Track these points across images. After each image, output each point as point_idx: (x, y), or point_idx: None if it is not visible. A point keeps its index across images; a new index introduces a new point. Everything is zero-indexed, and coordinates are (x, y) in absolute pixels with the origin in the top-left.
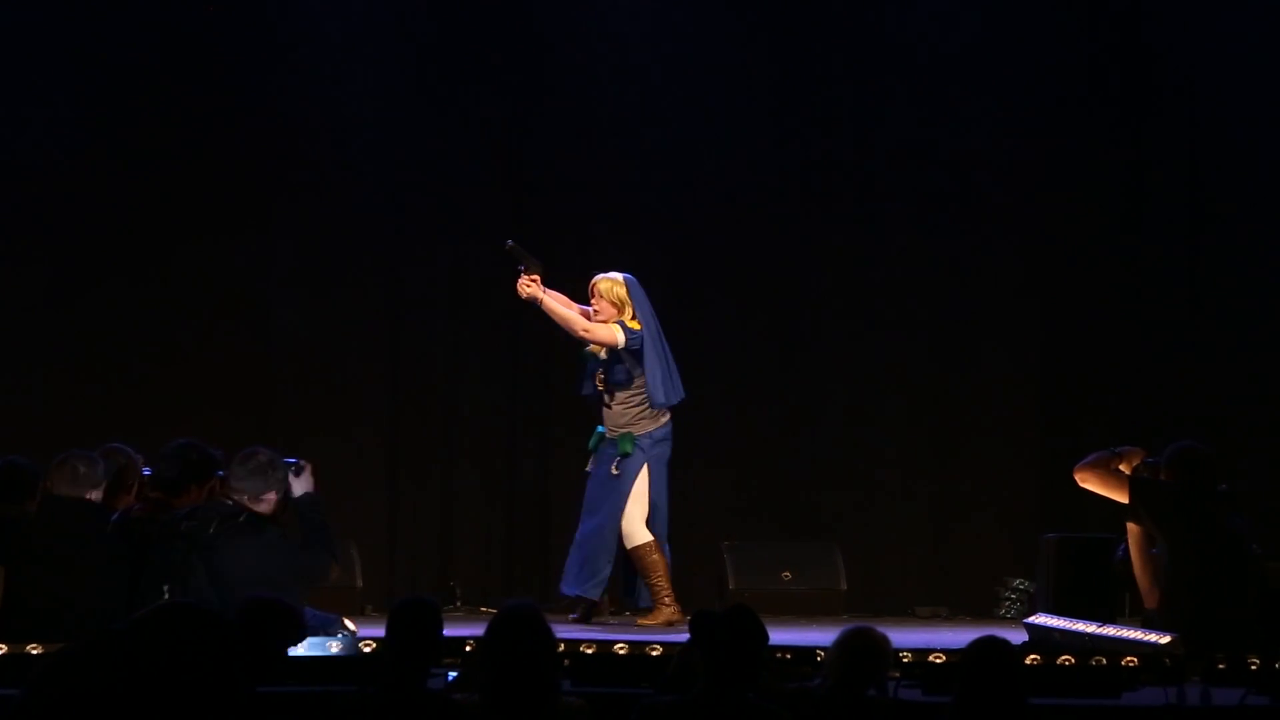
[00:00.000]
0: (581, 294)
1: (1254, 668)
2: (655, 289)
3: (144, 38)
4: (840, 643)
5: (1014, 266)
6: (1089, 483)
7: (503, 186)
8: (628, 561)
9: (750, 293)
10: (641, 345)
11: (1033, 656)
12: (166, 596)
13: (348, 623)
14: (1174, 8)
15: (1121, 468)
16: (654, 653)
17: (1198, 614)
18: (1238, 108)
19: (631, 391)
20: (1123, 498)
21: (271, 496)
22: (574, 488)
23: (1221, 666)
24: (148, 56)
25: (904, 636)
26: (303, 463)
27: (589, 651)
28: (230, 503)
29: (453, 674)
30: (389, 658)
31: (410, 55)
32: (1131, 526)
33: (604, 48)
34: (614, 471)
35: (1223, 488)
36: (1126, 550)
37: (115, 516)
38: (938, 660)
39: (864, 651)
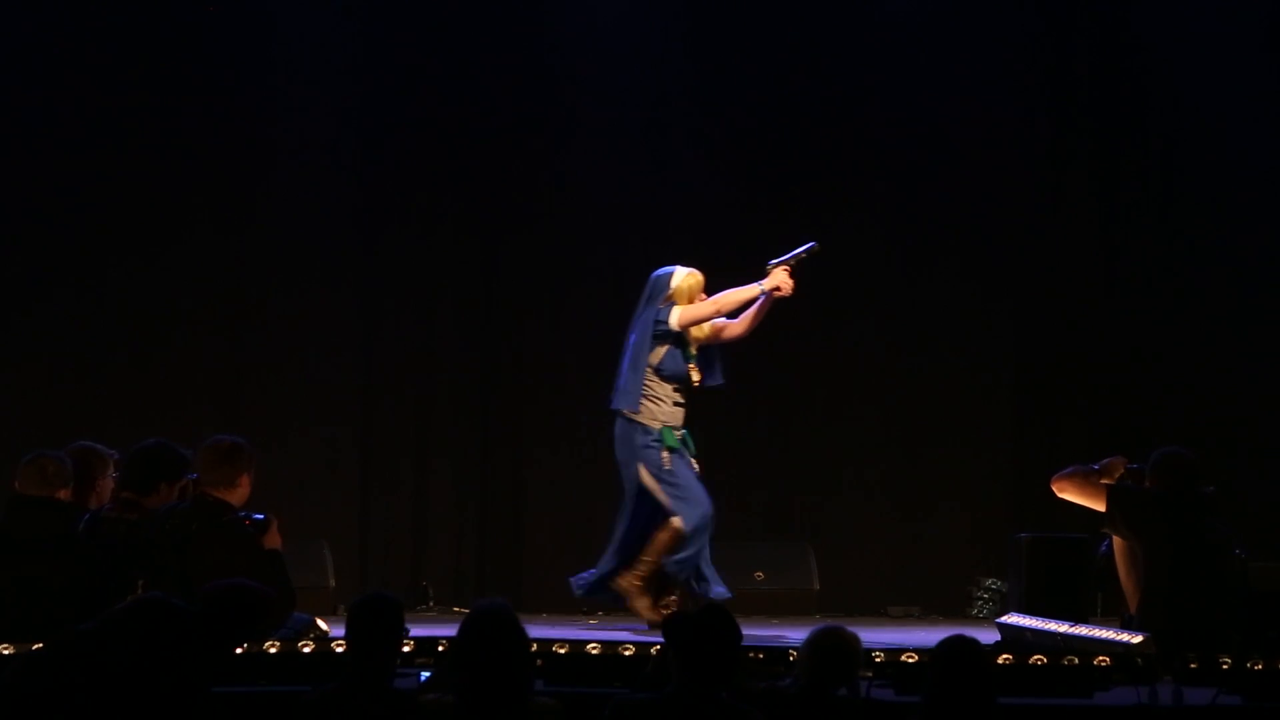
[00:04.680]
0: (572, 290)
1: (1225, 667)
2: (630, 287)
3: (121, 37)
4: (811, 642)
5: (987, 265)
6: (1066, 492)
7: (478, 185)
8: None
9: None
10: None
11: (1005, 656)
12: (140, 593)
13: (320, 622)
14: (1150, 4)
15: (1104, 481)
16: (626, 652)
17: (1174, 619)
18: (1213, 103)
19: None
20: (1100, 506)
21: (244, 480)
22: (547, 488)
23: (1193, 666)
24: (125, 56)
25: (876, 636)
26: (269, 518)
27: (562, 651)
28: (210, 500)
29: (425, 674)
30: (350, 656)
31: (388, 55)
32: None
33: (582, 45)
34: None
35: (1209, 490)
36: (1109, 546)
37: (85, 516)
38: (910, 660)
39: (834, 651)
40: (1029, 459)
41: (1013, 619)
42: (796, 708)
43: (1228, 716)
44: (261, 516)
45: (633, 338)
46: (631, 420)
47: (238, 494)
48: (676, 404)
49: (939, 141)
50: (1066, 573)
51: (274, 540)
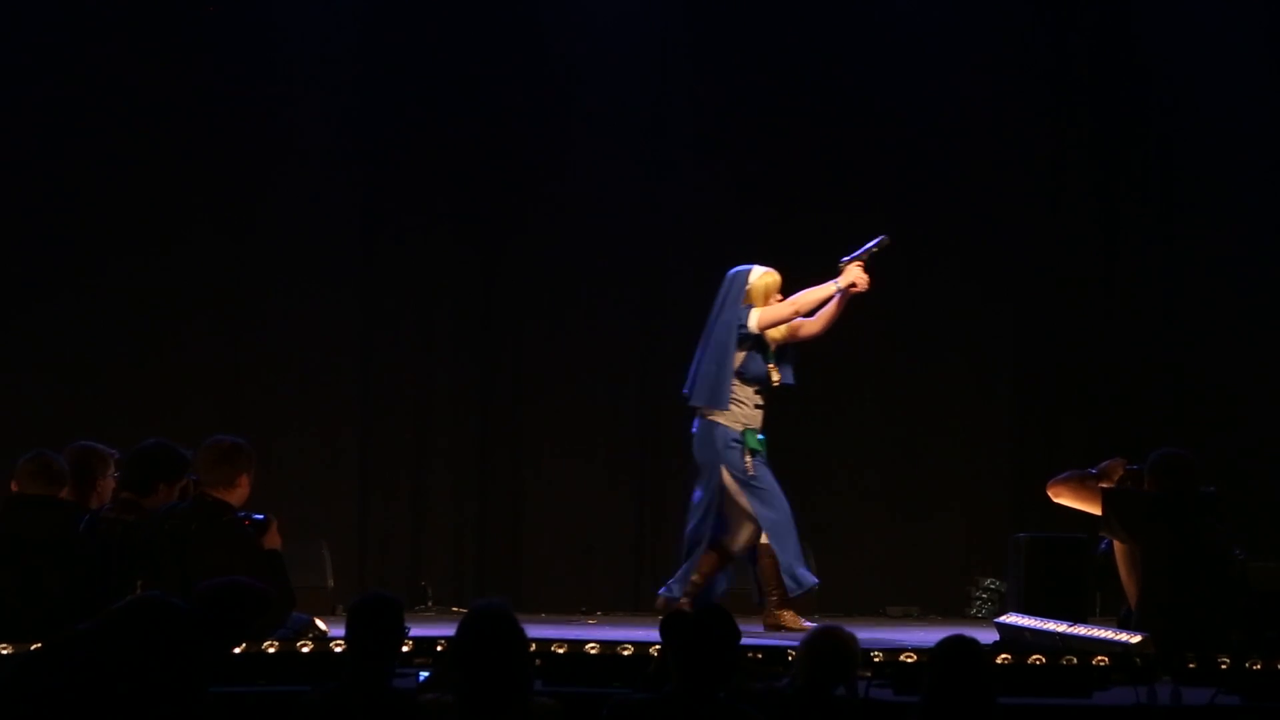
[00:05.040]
0: (571, 291)
1: (1224, 667)
2: (626, 288)
3: (122, 39)
4: (808, 642)
5: (986, 265)
6: (1062, 497)
7: (478, 187)
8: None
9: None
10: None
11: (1004, 656)
12: (139, 593)
13: (319, 623)
14: (1151, 6)
15: (1103, 484)
16: (625, 652)
17: (1173, 620)
18: (1214, 103)
19: None
20: (1096, 510)
21: (244, 480)
22: (545, 488)
23: (1192, 666)
24: (126, 57)
25: (875, 636)
26: (269, 518)
27: (561, 651)
28: (210, 500)
29: (424, 674)
30: (349, 656)
31: (388, 58)
32: None
33: (582, 47)
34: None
35: (1209, 490)
36: (1109, 545)
37: (86, 516)
38: (909, 660)
39: (831, 651)
40: (1028, 459)
41: (1011, 619)
42: (794, 708)
43: (1226, 716)
44: (261, 517)
45: (713, 338)
46: (714, 421)
47: (237, 494)
48: (757, 406)
49: (939, 142)
50: (1065, 572)
51: (273, 540)
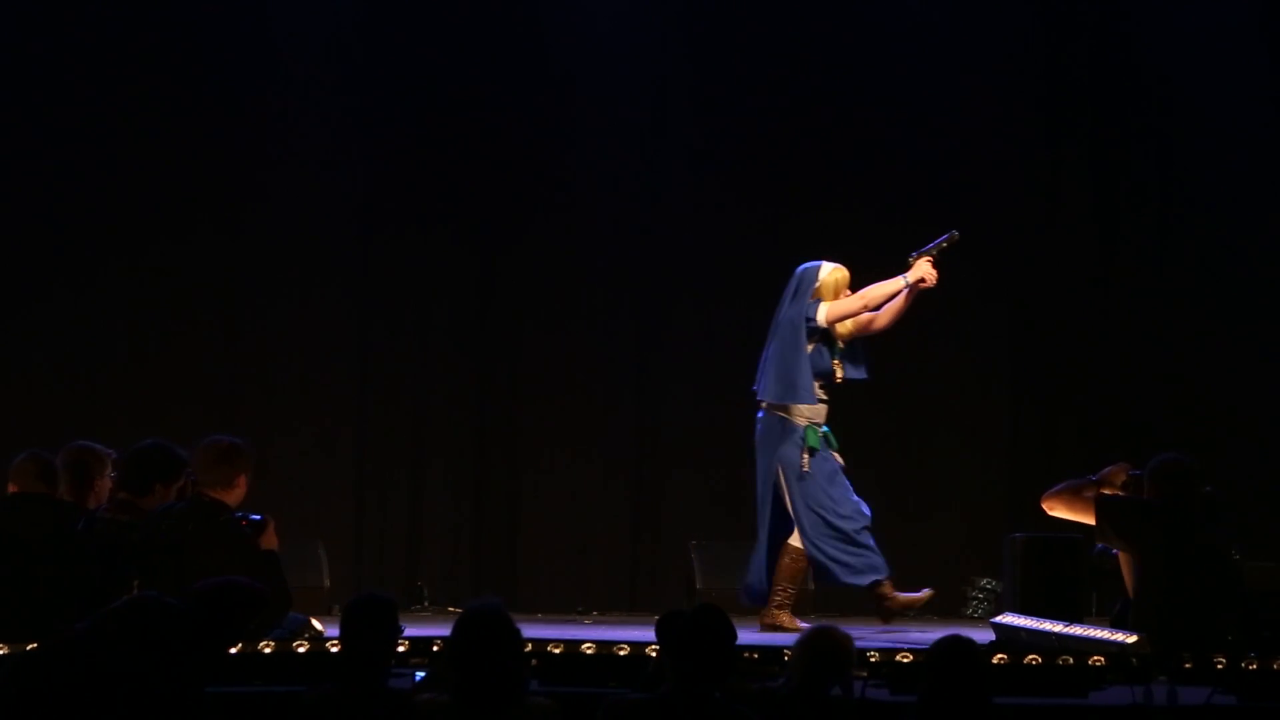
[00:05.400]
0: (569, 291)
1: (1220, 667)
2: (624, 289)
3: (118, 39)
4: (803, 642)
5: (983, 266)
6: (1056, 510)
7: (475, 188)
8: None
9: (721, 292)
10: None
11: (1000, 656)
12: (135, 594)
13: (315, 623)
14: (1146, 4)
15: (1100, 492)
16: (621, 652)
17: (1169, 624)
18: (1211, 104)
19: None
20: (1090, 520)
21: (241, 480)
22: (542, 488)
23: (1188, 666)
24: (122, 57)
25: (872, 636)
26: (266, 518)
27: (557, 651)
28: (208, 500)
29: (420, 674)
30: (345, 656)
31: (385, 59)
32: None
33: (581, 47)
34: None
35: (1208, 491)
36: (1106, 545)
37: (83, 516)
38: (905, 660)
39: (827, 651)
40: (1024, 459)
41: (1008, 619)
42: (790, 708)
43: (1222, 716)
44: (259, 517)
45: (780, 333)
46: (778, 415)
47: (235, 494)
48: (820, 400)
49: (936, 142)
50: (1061, 573)
51: (270, 541)
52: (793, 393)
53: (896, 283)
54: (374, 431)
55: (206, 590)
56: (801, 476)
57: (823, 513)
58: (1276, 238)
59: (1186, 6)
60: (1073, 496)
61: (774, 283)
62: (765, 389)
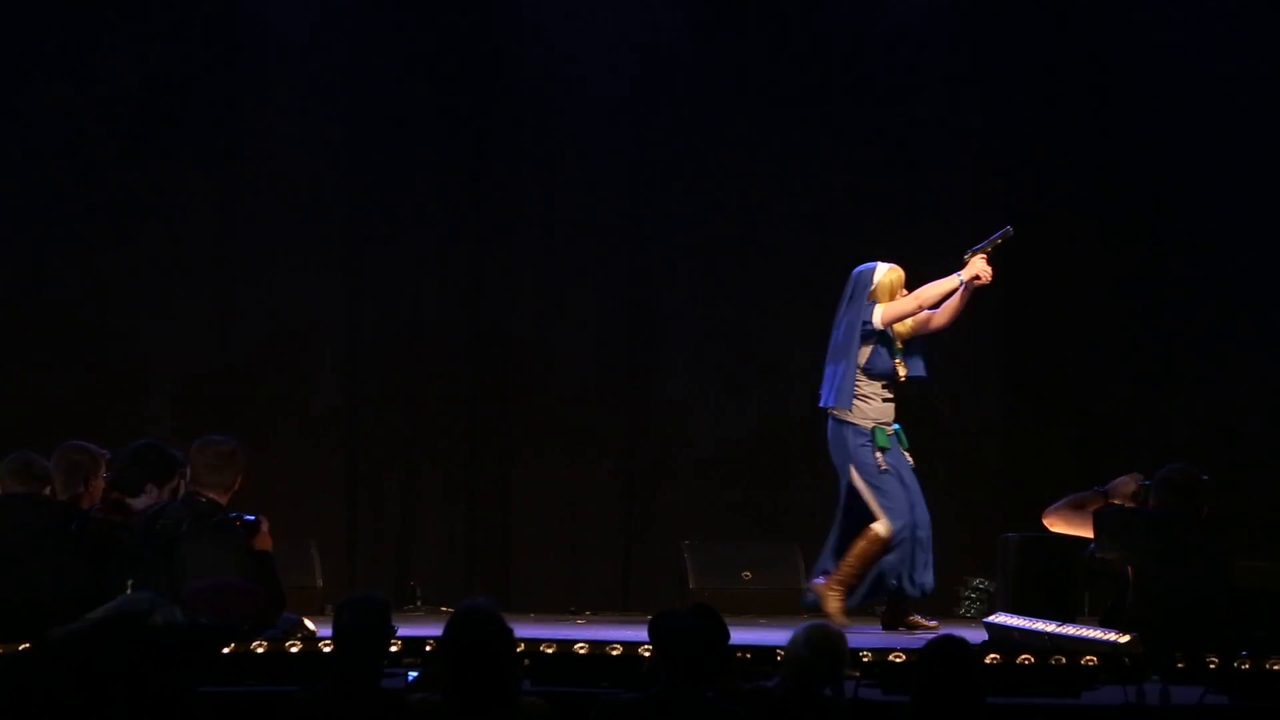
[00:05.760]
0: (561, 290)
1: (1213, 667)
2: (616, 288)
3: (105, 27)
4: (796, 640)
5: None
6: (1056, 526)
7: (467, 185)
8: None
9: (709, 292)
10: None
11: (992, 656)
12: (128, 594)
13: (307, 622)
14: (1138, 6)
15: (1114, 501)
16: (614, 652)
17: (1164, 634)
18: (1202, 106)
19: None
20: (1090, 534)
21: (237, 481)
22: (534, 487)
23: (1180, 665)
24: (107, 50)
25: (864, 636)
26: (260, 519)
27: (549, 651)
28: (203, 500)
29: (413, 674)
30: (337, 656)
31: (368, 46)
32: None
33: (562, 41)
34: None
35: (1210, 501)
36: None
37: (76, 516)
38: (897, 660)
39: (820, 648)
40: (1017, 459)
41: (1000, 618)
42: (783, 708)
43: (1215, 716)
44: (253, 518)
45: (838, 337)
46: (843, 420)
47: (228, 495)
48: (886, 400)
49: (929, 143)
50: (1054, 572)
51: (264, 542)
52: (844, 398)
53: (951, 281)
54: (366, 431)
55: (200, 592)
56: (879, 477)
57: (901, 518)
58: (1272, 235)
59: (1185, 4)
60: (1070, 513)
61: (762, 281)
62: (825, 395)
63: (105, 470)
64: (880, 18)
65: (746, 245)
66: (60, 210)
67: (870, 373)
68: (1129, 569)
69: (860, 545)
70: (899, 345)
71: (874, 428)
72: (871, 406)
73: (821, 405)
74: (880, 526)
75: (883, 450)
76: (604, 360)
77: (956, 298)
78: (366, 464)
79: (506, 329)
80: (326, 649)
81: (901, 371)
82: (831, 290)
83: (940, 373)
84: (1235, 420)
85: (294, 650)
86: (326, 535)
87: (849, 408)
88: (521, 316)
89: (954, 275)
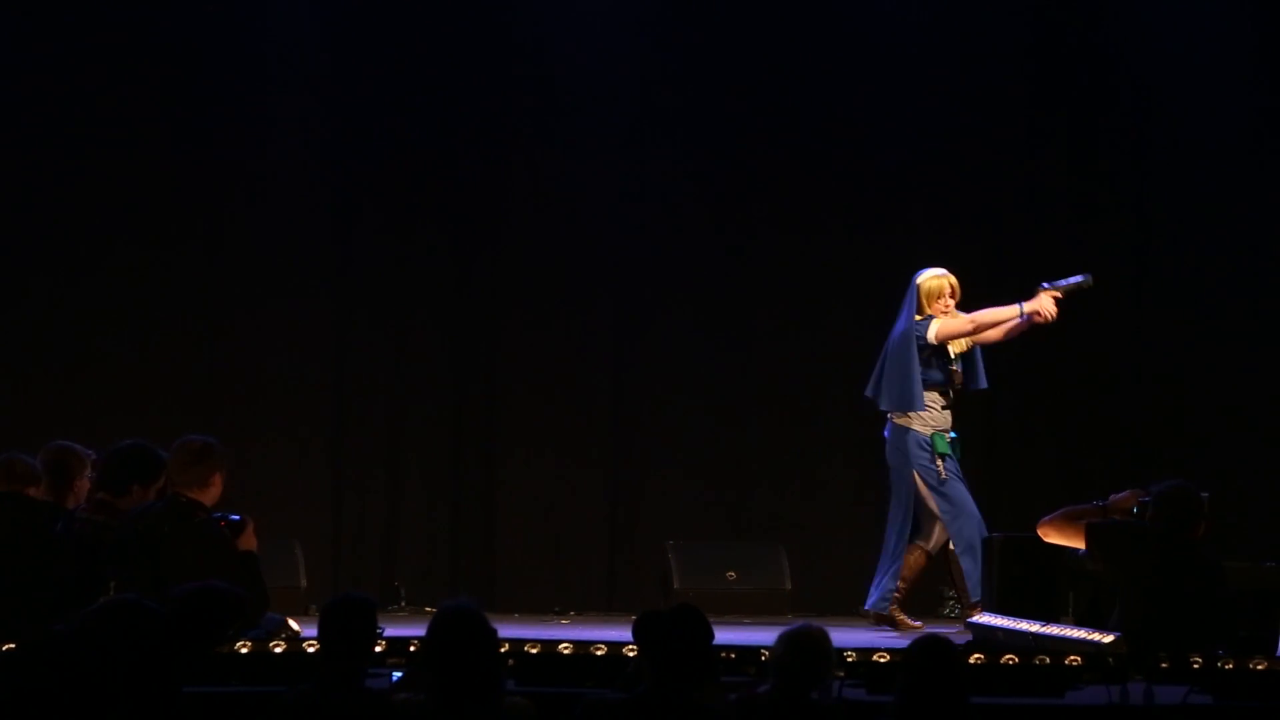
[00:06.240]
0: (546, 292)
1: (1196, 667)
2: (601, 290)
3: (89, 46)
4: (780, 644)
5: (960, 262)
6: (1050, 537)
7: (452, 189)
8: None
9: (699, 293)
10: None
11: (976, 656)
12: (112, 594)
13: (292, 623)
14: (1126, 5)
15: (1115, 516)
16: (598, 652)
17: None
18: (1187, 106)
19: None
20: (1082, 545)
21: (216, 479)
22: (519, 487)
23: (1164, 665)
24: (92, 59)
25: (849, 636)
26: (245, 519)
27: (534, 651)
28: (184, 500)
29: (398, 674)
30: (322, 656)
31: (361, 60)
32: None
33: (559, 47)
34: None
35: (1204, 518)
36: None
37: (61, 517)
38: (882, 660)
39: (806, 650)
40: (1001, 460)
41: (984, 619)
42: (772, 714)
43: (1199, 716)
44: (238, 518)
45: (894, 341)
46: (904, 425)
47: (210, 494)
48: (944, 408)
49: (915, 141)
50: (1038, 573)
51: (249, 542)
52: (908, 402)
53: (1012, 310)
54: (351, 431)
55: (185, 595)
56: (941, 484)
57: (969, 526)
58: (1254, 238)
59: (1168, 8)
60: (1064, 524)
61: (748, 281)
62: (886, 399)
63: (90, 470)
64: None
65: (730, 246)
66: (49, 215)
67: (928, 382)
68: (1118, 582)
69: (910, 560)
70: (956, 355)
71: (934, 434)
72: (931, 414)
73: (882, 408)
74: (926, 542)
75: (943, 457)
76: (590, 361)
77: (1014, 324)
78: (351, 465)
79: (492, 329)
80: (311, 649)
81: (956, 381)
82: (814, 290)
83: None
84: (1220, 419)
85: (278, 650)
86: (311, 536)
87: (911, 412)
88: (507, 317)
89: (1017, 305)
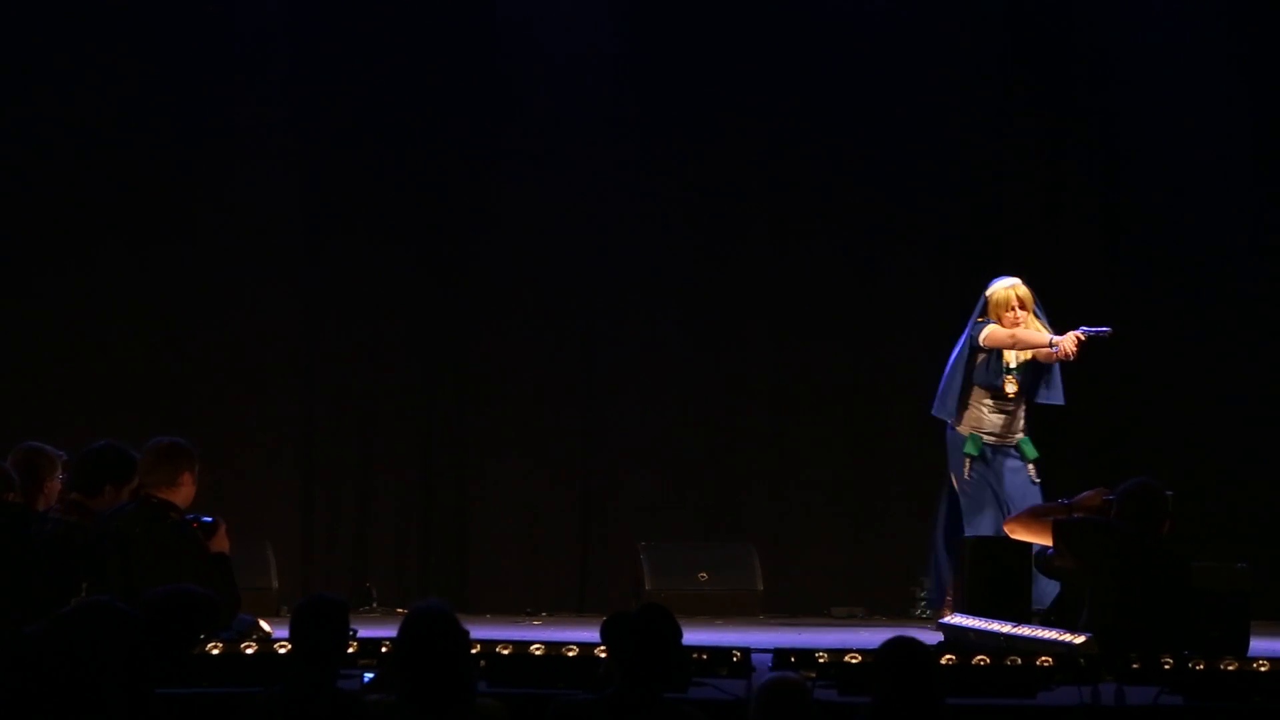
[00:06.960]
0: (518, 295)
1: (1167, 667)
2: (571, 293)
3: (55, 38)
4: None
5: (935, 265)
6: (1017, 534)
7: (422, 192)
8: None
9: (669, 295)
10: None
11: (948, 657)
12: (84, 596)
13: (263, 624)
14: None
15: (1076, 514)
16: (570, 654)
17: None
18: (1153, 103)
19: None
20: (1049, 541)
21: (186, 479)
22: (491, 488)
23: (1135, 666)
24: (59, 58)
25: (820, 637)
26: (218, 521)
27: (505, 652)
28: (154, 501)
29: (369, 675)
30: (294, 657)
31: (331, 57)
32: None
33: (528, 49)
34: (1036, 479)
35: (1170, 514)
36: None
37: (32, 518)
38: (853, 661)
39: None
40: None
41: (956, 620)
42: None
43: (1170, 716)
44: (210, 519)
45: (957, 347)
46: (951, 428)
47: (181, 494)
48: (994, 411)
49: (892, 144)
50: (1009, 574)
51: (222, 544)
52: (945, 405)
53: (1044, 337)
54: (322, 432)
55: (157, 599)
56: (966, 483)
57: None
58: (1219, 238)
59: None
60: (1030, 521)
61: (722, 283)
62: (936, 402)
63: (61, 472)
64: (841, 22)
65: (701, 248)
66: (10, 217)
67: (976, 382)
68: (1086, 579)
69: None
70: (1008, 362)
71: (969, 435)
72: (973, 414)
73: (932, 413)
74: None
75: (970, 457)
76: (559, 363)
77: (1044, 352)
78: (322, 466)
79: (462, 331)
80: (283, 650)
81: (1010, 388)
82: (786, 291)
83: (899, 373)
84: (1193, 419)
85: (250, 652)
86: (282, 537)
87: (951, 417)
88: (477, 320)
89: (1051, 335)
